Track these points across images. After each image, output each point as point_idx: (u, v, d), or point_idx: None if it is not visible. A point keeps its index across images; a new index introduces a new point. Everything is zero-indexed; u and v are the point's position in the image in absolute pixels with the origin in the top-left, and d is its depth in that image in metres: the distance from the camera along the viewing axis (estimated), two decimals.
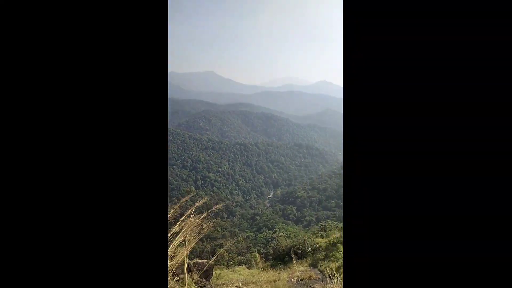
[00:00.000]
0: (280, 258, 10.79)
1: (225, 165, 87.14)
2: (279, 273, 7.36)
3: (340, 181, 70.91)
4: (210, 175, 78.64)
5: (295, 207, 64.16)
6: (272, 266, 9.83)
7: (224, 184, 78.86)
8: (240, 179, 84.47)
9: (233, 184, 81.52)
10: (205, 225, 1.90)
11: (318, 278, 6.48)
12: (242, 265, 11.49)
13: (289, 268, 7.94)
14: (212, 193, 70.82)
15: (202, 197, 2.05)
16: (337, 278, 3.25)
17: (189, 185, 71.73)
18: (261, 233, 37.22)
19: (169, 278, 1.68)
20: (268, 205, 73.34)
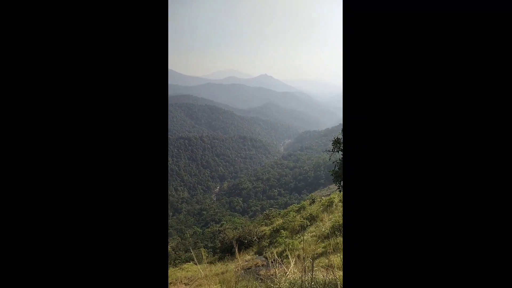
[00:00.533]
0: (227, 250, 11.02)
1: (168, 161, 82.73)
2: (226, 264, 7.55)
3: (281, 170, 74.86)
4: None
5: (241, 199, 65.40)
6: (220, 259, 9.98)
7: (168, 181, 74.98)
8: (185, 175, 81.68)
9: (178, 180, 78.36)
10: None
11: (264, 264, 6.90)
12: (189, 262, 11.34)
13: (236, 259, 8.20)
14: None
15: None
16: (279, 263, 3.57)
17: None
18: (208, 227, 36.93)
19: None
20: (214, 199, 72.94)
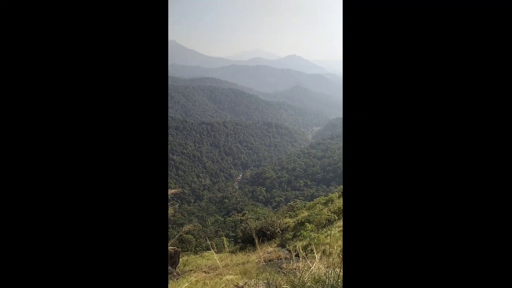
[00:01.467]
0: (249, 241, 11.31)
1: (190, 146, 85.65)
2: (248, 255, 7.79)
3: (308, 160, 74.06)
4: (174, 157, 76.98)
5: (264, 188, 66.15)
6: (241, 249, 10.30)
7: (190, 167, 77.92)
8: (207, 161, 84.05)
9: (200, 167, 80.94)
10: (170, 211, 1.99)
11: (287, 257, 7.03)
12: (210, 250, 11.85)
13: (258, 250, 8.41)
14: (177, 176, 69.74)
15: None
16: (303, 257, 3.61)
17: None
18: (230, 216, 38.11)
19: None
20: (237, 187, 74.57)
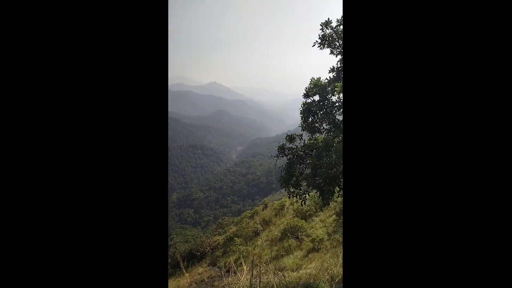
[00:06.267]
0: (178, 265, 10.44)
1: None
2: (178, 280, 7.14)
3: (234, 177, 74.76)
4: None
5: (192, 210, 63.01)
6: (171, 275, 9.39)
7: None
8: None
9: None
10: None
11: (218, 275, 6.73)
12: None
13: (188, 273, 7.83)
14: None
15: None
16: (233, 271, 3.52)
17: None
18: None
19: None
20: None
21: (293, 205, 10.35)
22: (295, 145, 3.95)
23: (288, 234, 7.50)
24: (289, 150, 3.92)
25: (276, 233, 8.76)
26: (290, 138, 3.98)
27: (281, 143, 4.01)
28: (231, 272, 3.52)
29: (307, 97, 3.95)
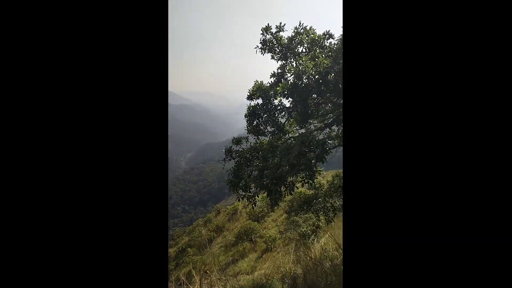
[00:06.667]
0: None
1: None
2: None
3: (184, 185, 71.84)
4: None
5: None
6: None
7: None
8: None
9: None
10: None
11: None
12: None
13: None
14: None
15: None
16: (185, 284, 3.33)
17: None
18: None
19: None
20: None
21: (246, 208, 10.41)
22: (242, 148, 3.98)
23: (244, 237, 7.49)
24: (236, 153, 3.93)
25: (230, 238, 8.66)
26: (237, 141, 4.00)
27: (228, 147, 4.00)
28: (183, 285, 3.32)
29: (251, 99, 4.01)
